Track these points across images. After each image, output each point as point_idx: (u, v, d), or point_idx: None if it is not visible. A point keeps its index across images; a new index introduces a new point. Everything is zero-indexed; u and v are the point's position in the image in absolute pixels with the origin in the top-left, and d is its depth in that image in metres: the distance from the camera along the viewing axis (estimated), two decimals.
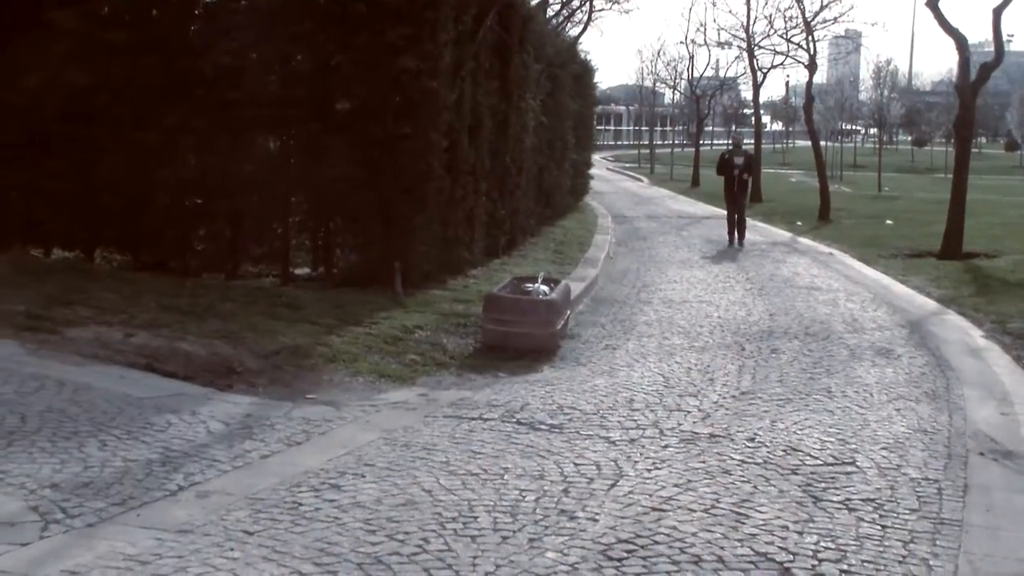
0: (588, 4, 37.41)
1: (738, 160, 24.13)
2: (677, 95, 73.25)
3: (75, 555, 5.20)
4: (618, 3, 45.80)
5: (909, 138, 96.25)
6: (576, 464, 7.14)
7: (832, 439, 8.06)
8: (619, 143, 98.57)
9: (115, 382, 8.53)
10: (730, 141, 34.53)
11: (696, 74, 57.91)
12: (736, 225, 23.88)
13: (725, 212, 24.56)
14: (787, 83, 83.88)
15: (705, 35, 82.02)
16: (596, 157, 46.06)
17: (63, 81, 13.21)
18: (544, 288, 11.98)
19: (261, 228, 14.43)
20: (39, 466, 6.41)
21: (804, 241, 25.19)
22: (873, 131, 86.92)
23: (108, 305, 10.99)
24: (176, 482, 6.39)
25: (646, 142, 73.42)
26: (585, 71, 32.13)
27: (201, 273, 14.09)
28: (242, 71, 13.64)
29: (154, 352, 9.38)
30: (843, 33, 53.23)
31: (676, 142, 77.21)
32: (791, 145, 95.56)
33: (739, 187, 24.00)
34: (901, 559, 5.69)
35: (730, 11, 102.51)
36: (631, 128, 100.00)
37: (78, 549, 5.28)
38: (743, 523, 6.09)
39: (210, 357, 9.50)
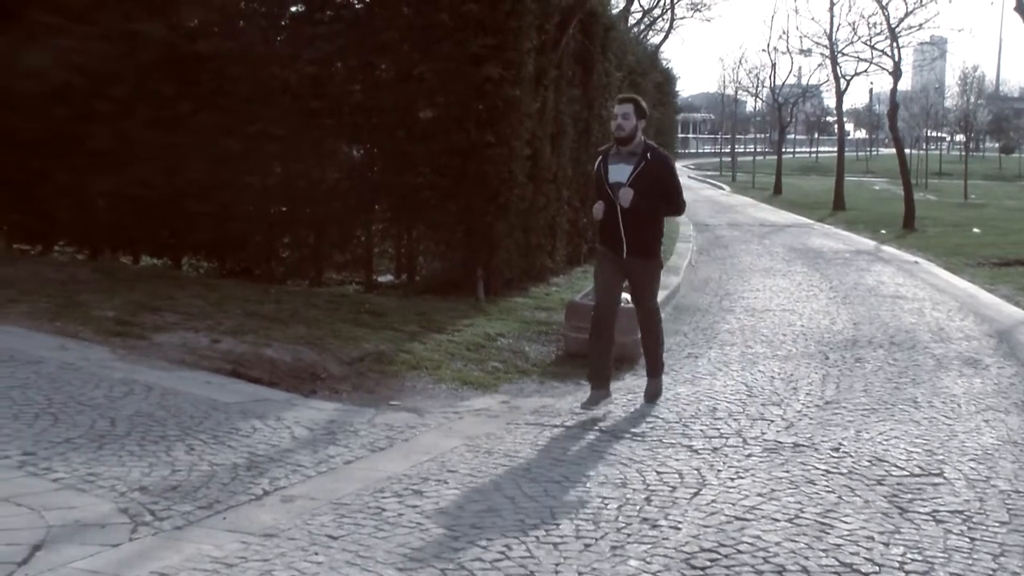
0: (670, 12, 37.58)
1: (617, 173, 8.78)
2: (759, 103, 72.99)
3: (163, 557, 5.27)
4: (700, 11, 45.97)
5: (996, 145, 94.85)
6: (658, 472, 7.10)
7: (918, 450, 7.94)
8: (701, 151, 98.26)
9: (201, 387, 8.63)
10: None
11: (778, 82, 57.71)
12: (643, 334, 9.62)
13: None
14: (871, 90, 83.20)
15: (787, 42, 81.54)
16: (678, 165, 45.91)
17: (150, 89, 13.45)
18: (626, 296, 11.92)
19: (345, 235, 14.55)
20: (128, 469, 6.51)
21: (888, 249, 24.86)
22: (959, 138, 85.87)
23: (195, 311, 11.14)
24: (261, 486, 6.45)
25: (728, 150, 73.02)
26: (666, 79, 32.21)
27: (286, 280, 14.30)
28: (326, 80, 13.79)
29: (239, 358, 9.49)
30: (928, 39, 52.74)
31: (758, 150, 76.75)
32: (875, 153, 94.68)
33: (629, 233, 8.86)
34: (991, 572, 5.58)
35: (812, 18, 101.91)
36: (713, 136, 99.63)
37: (166, 551, 5.34)
38: (828, 533, 6.02)
39: (294, 363, 9.60)
